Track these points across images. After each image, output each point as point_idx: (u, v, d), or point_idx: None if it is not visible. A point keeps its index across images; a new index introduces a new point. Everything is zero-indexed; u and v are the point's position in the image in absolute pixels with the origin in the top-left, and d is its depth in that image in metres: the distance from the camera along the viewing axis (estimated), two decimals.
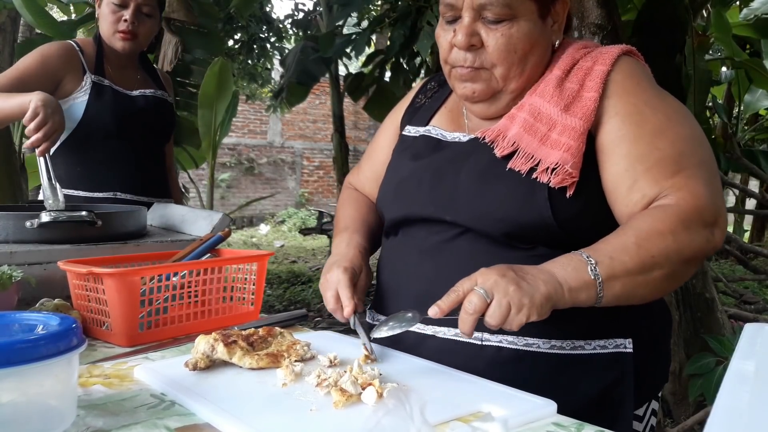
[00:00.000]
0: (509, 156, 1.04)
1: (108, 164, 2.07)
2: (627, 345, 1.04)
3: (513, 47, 1.04)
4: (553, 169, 1.00)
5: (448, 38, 1.08)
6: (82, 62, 2.05)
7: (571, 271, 0.91)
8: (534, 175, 1.01)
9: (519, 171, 1.02)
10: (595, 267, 0.91)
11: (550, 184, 1.00)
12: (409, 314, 0.96)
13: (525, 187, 1.01)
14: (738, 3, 4.58)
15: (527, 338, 1.02)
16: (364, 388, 0.81)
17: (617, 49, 1.08)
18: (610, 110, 1.03)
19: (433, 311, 0.89)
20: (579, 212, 1.01)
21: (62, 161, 2.00)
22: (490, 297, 0.87)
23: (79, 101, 2.00)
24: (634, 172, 0.99)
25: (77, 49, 2.06)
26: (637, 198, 0.99)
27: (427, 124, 1.22)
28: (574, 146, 1.00)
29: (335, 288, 1.08)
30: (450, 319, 0.91)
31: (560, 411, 0.81)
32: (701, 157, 1.01)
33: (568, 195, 1.00)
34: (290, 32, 9.69)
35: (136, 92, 2.14)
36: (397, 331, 0.95)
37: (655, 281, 0.94)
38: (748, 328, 0.79)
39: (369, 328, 1.07)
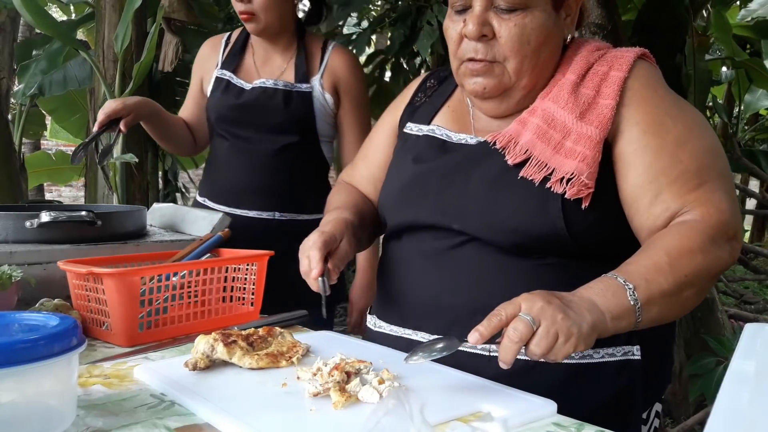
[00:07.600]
0: (521, 163, 1.01)
1: (217, 170, 1.85)
2: (635, 352, 1.03)
3: (526, 38, 1.00)
4: (568, 180, 0.97)
5: (457, 29, 1.04)
6: (219, 57, 1.86)
7: (611, 298, 0.87)
8: (548, 185, 0.98)
9: (532, 180, 0.99)
10: (633, 292, 0.87)
11: (566, 195, 0.97)
12: (442, 343, 0.86)
13: (538, 197, 0.99)
14: (738, 3, 4.58)
15: None
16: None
17: (632, 54, 1.05)
18: (630, 119, 1.00)
19: (473, 338, 0.82)
20: (593, 223, 0.99)
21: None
22: (537, 324, 0.80)
23: (206, 102, 1.85)
24: (658, 184, 0.98)
25: (224, 42, 1.88)
26: (660, 211, 0.97)
27: (429, 123, 1.17)
28: (590, 156, 0.98)
29: (308, 251, 1.04)
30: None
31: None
32: (720, 169, 1.00)
33: (583, 206, 0.98)
34: None
35: (256, 83, 1.78)
36: (435, 356, 0.86)
37: (687, 300, 0.93)
38: (748, 328, 0.79)
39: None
